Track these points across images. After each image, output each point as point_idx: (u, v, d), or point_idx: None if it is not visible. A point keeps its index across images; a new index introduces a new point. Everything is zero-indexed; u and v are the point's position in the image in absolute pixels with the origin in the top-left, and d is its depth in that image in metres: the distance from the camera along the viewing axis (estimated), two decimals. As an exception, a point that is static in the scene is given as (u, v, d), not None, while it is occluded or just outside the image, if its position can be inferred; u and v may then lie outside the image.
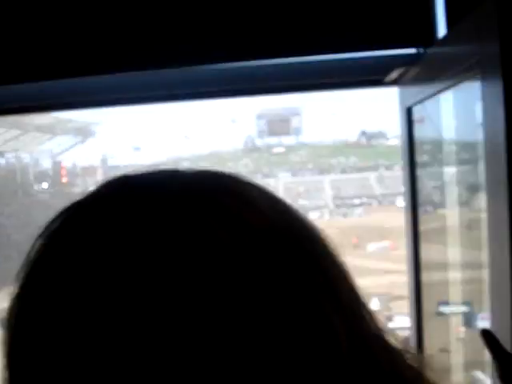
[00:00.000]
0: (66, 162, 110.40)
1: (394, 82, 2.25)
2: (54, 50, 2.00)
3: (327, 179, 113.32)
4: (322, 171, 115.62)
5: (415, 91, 2.11)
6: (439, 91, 1.86)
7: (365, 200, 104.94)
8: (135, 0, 1.97)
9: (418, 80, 2.03)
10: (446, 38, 1.75)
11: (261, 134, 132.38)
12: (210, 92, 2.70)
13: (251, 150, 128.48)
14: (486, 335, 1.53)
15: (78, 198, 0.90)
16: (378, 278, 48.15)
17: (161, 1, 1.98)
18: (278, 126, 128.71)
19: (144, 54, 1.99)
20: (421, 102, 2.13)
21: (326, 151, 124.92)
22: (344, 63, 2.06)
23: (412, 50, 1.89)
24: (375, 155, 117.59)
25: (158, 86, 2.45)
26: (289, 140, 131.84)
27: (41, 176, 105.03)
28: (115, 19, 1.95)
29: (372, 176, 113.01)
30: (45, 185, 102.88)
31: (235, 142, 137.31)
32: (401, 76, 2.20)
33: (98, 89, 2.44)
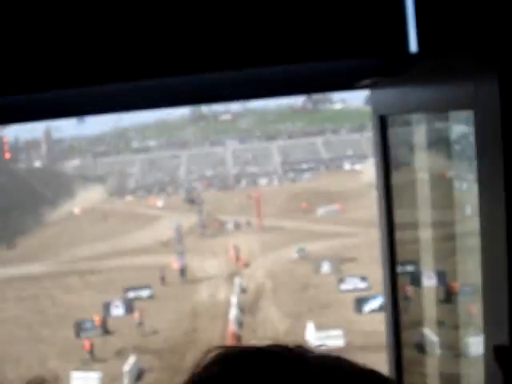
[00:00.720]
0: (8, 136, 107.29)
1: (367, 86, 2.26)
2: (36, 61, 1.90)
3: (275, 145, 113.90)
4: (270, 137, 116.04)
5: (390, 101, 2.06)
6: (415, 109, 1.81)
7: (312, 164, 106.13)
8: (97, 14, 1.87)
9: (393, 91, 1.99)
10: (425, 58, 1.70)
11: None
12: (185, 98, 2.67)
13: (198, 117, 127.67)
14: (501, 352, 1.45)
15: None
16: (329, 241, 48.89)
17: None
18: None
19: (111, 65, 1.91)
20: (395, 113, 2.07)
21: (273, 117, 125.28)
22: (317, 70, 2.03)
23: (384, 61, 1.86)
24: (321, 120, 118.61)
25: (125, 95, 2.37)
26: (235, 107, 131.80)
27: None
28: (95, 31, 1.87)
29: (319, 140, 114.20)
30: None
31: (181, 110, 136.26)
32: (374, 83, 2.19)
33: (78, 99, 2.34)
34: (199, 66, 1.85)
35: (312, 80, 2.37)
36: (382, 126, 2.35)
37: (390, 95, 2.08)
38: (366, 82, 2.19)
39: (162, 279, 40.45)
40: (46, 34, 1.84)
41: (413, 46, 1.79)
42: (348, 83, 2.27)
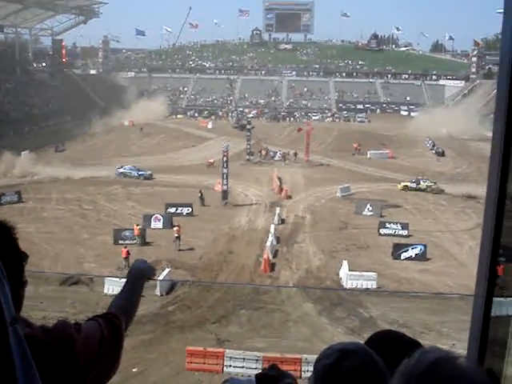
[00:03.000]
0: (67, 41, 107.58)
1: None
2: None
3: (332, 81, 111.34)
4: (328, 73, 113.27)
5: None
6: None
7: (368, 106, 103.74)
8: None
9: None
10: None
11: (268, 28, 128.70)
12: None
13: (257, 43, 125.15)
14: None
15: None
16: (375, 184, 48.21)
17: None
18: (287, 21, 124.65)
19: None
20: None
21: (335, 52, 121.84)
22: None
23: None
24: (383, 61, 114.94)
25: None
26: (297, 37, 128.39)
27: (40, 54, 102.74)
28: None
29: (378, 82, 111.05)
30: (44, 63, 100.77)
31: (241, 34, 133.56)
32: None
33: None
34: None
35: None
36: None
37: None
38: None
39: (202, 199, 40.60)
40: None
41: None
42: None
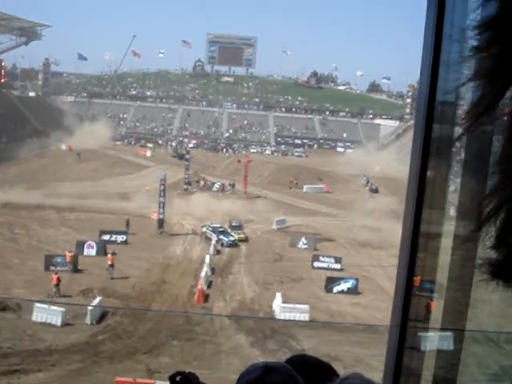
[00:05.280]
0: (7, 62, 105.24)
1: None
2: None
3: (272, 115, 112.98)
4: (268, 107, 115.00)
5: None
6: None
7: (306, 141, 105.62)
8: None
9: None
10: None
11: (211, 60, 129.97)
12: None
13: (199, 75, 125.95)
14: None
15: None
16: (310, 218, 48.90)
17: None
18: (230, 54, 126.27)
19: None
20: None
21: (275, 87, 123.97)
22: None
23: None
24: (322, 98, 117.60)
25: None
26: (239, 70, 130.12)
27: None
28: None
29: (316, 118, 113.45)
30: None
31: (184, 65, 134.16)
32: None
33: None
34: None
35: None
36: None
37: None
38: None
39: (127, 227, 40.02)
40: None
41: None
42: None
